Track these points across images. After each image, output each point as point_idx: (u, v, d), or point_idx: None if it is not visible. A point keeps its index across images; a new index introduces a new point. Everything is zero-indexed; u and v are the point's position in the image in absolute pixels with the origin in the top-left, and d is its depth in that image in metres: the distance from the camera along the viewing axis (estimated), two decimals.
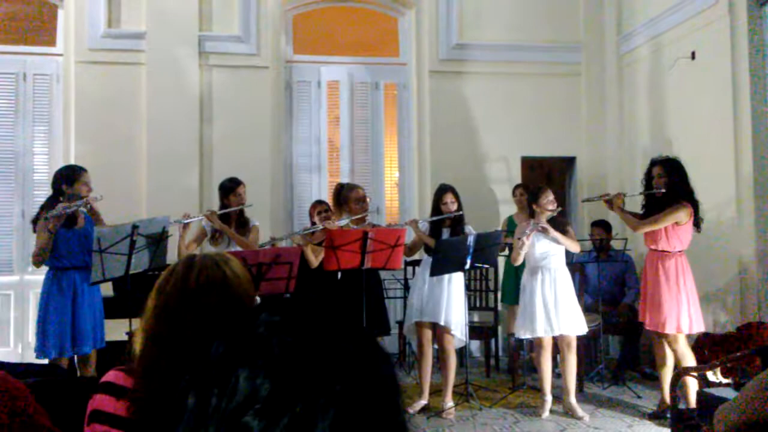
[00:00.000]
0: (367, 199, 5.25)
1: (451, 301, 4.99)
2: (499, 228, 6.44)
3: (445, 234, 5.13)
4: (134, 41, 6.61)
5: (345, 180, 7.19)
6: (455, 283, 5.04)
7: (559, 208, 5.10)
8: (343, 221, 5.05)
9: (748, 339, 4.72)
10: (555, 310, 4.89)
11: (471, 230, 5.14)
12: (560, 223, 5.05)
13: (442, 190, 5.20)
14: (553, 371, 5.32)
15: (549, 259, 4.97)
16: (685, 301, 4.66)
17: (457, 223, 5.14)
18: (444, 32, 7.20)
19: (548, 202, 5.00)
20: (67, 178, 4.55)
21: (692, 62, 6.00)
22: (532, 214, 5.13)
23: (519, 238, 4.98)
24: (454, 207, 5.10)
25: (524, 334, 5.06)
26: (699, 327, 4.72)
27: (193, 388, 0.57)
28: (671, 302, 4.65)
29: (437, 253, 4.87)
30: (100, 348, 4.52)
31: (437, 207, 5.16)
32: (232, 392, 0.54)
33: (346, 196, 5.16)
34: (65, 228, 4.43)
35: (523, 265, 5.20)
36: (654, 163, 4.90)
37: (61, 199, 4.46)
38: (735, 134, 5.46)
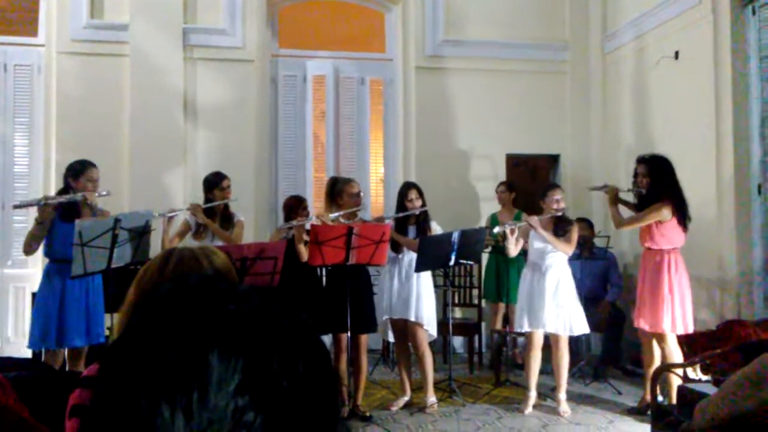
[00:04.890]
0: (361, 195, 5.23)
1: (421, 297, 5.01)
2: (483, 225, 6.47)
3: (411, 231, 5.14)
4: (117, 32, 6.54)
5: (329, 175, 7.17)
6: (423, 278, 5.06)
7: (565, 208, 5.08)
8: (335, 215, 5.01)
9: (728, 336, 4.78)
10: (541, 306, 4.90)
11: (437, 227, 5.16)
12: (564, 222, 5.04)
13: (407, 187, 5.21)
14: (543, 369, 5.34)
15: (545, 255, 4.97)
16: (679, 300, 4.65)
17: (423, 220, 5.15)
18: (430, 28, 7.20)
19: (553, 201, 5.01)
20: (73, 173, 4.54)
21: (676, 62, 6.06)
22: (539, 210, 5.16)
23: (507, 229, 5.02)
24: (419, 204, 5.11)
25: (516, 328, 5.15)
26: (689, 327, 4.70)
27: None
28: (660, 300, 4.66)
29: (421, 249, 4.88)
30: (96, 343, 4.47)
31: (402, 204, 5.17)
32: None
33: (340, 190, 5.11)
34: (64, 221, 4.39)
35: (508, 262, 5.24)
36: (638, 161, 4.92)
37: (70, 192, 4.45)
38: (717, 134, 5.52)
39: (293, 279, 4.78)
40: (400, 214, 5.12)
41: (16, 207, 4.60)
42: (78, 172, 4.52)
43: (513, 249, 5.06)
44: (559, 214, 5.00)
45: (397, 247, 5.07)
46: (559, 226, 4.98)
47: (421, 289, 5.03)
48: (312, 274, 5.13)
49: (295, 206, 5.21)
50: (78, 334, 4.38)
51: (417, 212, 5.07)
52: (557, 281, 4.94)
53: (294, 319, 0.56)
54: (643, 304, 4.79)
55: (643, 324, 4.78)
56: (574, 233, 5.03)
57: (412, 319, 4.98)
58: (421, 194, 5.13)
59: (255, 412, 0.49)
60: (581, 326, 4.96)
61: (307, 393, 0.52)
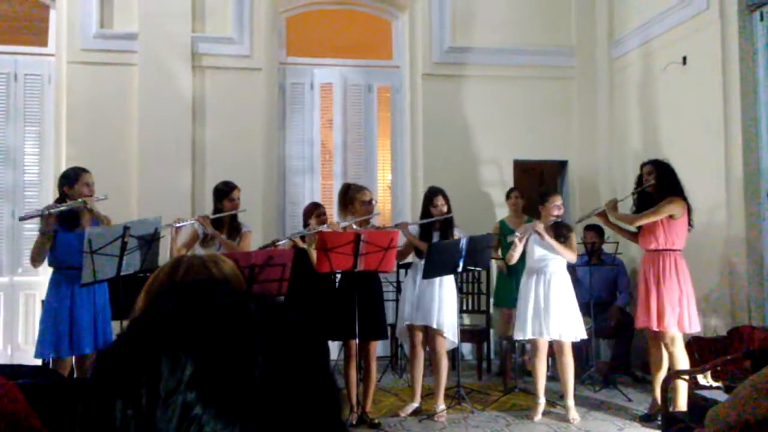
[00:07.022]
0: (374, 202, 5.23)
1: (442, 304, 4.99)
2: (491, 231, 6.44)
3: (435, 237, 5.13)
4: (126, 42, 6.59)
5: (337, 182, 7.20)
6: (446, 285, 5.04)
7: (564, 215, 5.13)
8: (346, 223, 5.01)
9: (738, 342, 4.75)
10: (547, 313, 4.89)
11: (460, 234, 5.15)
12: (563, 229, 5.04)
13: (433, 193, 5.19)
14: (547, 374, 5.33)
15: (547, 262, 4.97)
16: (686, 300, 4.70)
17: (447, 226, 5.14)
18: (437, 35, 7.21)
19: (554, 207, 5.02)
20: (68, 180, 4.54)
21: (683, 67, 6.04)
22: (539, 215, 5.15)
23: (516, 238, 5.02)
24: (445, 210, 5.10)
25: (518, 336, 5.08)
26: (696, 327, 4.75)
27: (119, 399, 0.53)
28: (674, 301, 4.67)
29: (430, 255, 4.87)
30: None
31: (427, 209, 5.16)
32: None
33: (352, 197, 5.13)
34: (66, 229, 4.41)
35: (518, 268, 5.22)
36: (642, 165, 4.99)
37: (67, 200, 4.45)
38: (725, 138, 5.50)
39: (306, 286, 4.79)
40: (425, 221, 5.12)
41: (22, 219, 4.62)
42: (73, 179, 4.52)
43: (517, 256, 5.05)
44: (559, 220, 5.01)
45: (420, 253, 5.06)
46: (559, 233, 4.99)
47: (443, 296, 5.01)
48: (326, 282, 5.13)
49: (311, 212, 5.26)
50: (88, 342, 4.40)
51: (442, 218, 5.06)
52: (562, 287, 4.95)
53: (269, 319, 0.56)
54: (645, 305, 4.78)
55: (651, 324, 4.76)
56: (574, 239, 5.08)
57: (434, 326, 4.97)
58: (447, 200, 5.12)
59: (202, 406, 0.51)
60: (582, 332, 4.98)
61: (276, 393, 0.52)
